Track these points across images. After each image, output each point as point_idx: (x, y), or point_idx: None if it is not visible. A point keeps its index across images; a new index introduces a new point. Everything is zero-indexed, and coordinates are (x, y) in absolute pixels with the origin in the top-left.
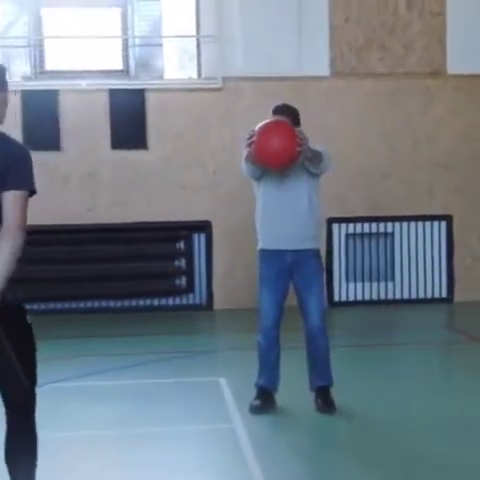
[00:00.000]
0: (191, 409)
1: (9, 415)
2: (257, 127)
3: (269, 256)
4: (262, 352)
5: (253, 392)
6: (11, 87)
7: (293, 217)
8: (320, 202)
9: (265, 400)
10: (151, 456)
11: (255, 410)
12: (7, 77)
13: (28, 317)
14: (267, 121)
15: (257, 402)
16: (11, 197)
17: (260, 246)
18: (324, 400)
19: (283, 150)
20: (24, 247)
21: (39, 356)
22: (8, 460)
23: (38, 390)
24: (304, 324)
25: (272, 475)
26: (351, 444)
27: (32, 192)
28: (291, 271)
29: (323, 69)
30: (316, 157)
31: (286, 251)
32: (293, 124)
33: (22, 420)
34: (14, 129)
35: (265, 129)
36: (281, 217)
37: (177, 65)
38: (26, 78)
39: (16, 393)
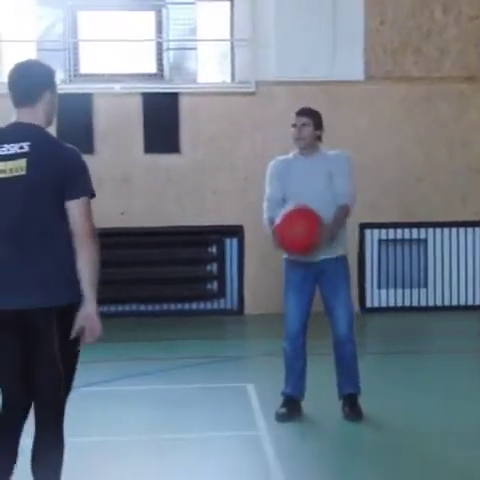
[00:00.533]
0: (218, 415)
1: (38, 426)
2: (283, 213)
3: (295, 263)
4: (288, 360)
5: (280, 399)
6: None
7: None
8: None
9: (291, 408)
10: (177, 463)
11: (281, 418)
12: (56, 79)
13: (73, 331)
14: (292, 208)
15: (283, 410)
16: (75, 206)
17: (286, 256)
18: (351, 408)
19: (302, 241)
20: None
21: None
22: (34, 470)
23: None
24: (331, 331)
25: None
26: (376, 454)
27: (92, 195)
28: (317, 276)
29: (357, 73)
30: (340, 227)
31: (312, 261)
32: (315, 127)
33: (51, 431)
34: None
35: (289, 217)
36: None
37: (211, 69)
38: (61, 81)
39: (50, 404)
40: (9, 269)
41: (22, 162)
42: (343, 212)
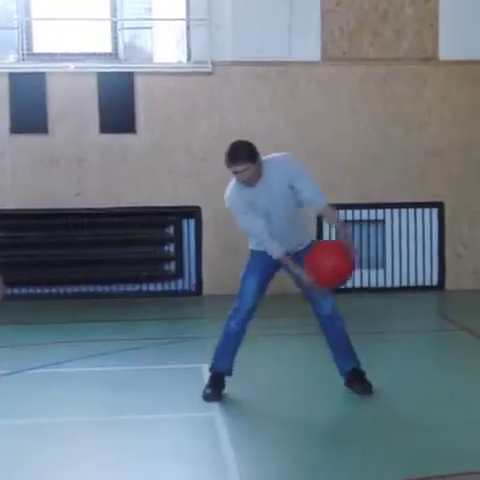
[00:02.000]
0: (171, 396)
1: None
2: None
3: (262, 251)
4: (231, 337)
5: (236, 379)
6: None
7: (287, 238)
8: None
9: (220, 384)
10: (126, 443)
11: (212, 397)
12: None
13: None
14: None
15: (211, 389)
16: None
17: (252, 247)
18: (361, 382)
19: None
20: (8, 231)
21: (22, 341)
22: None
23: (18, 376)
24: (315, 314)
25: (247, 464)
26: (332, 434)
27: None
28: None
29: (314, 54)
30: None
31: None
32: (254, 161)
33: None
34: (1, 111)
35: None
36: (279, 238)
37: (167, 49)
38: (14, 60)
39: None
40: None
41: None
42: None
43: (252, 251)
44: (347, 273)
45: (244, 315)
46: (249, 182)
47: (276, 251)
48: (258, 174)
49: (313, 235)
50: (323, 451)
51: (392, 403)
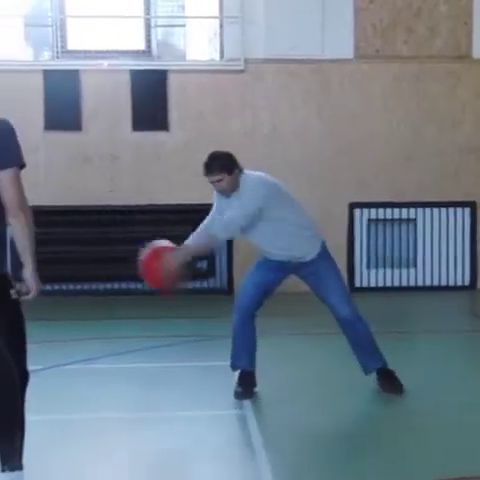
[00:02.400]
0: (201, 394)
1: None
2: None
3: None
4: (235, 334)
5: (266, 377)
6: (34, 67)
7: (280, 249)
8: (300, 216)
9: (248, 383)
10: (156, 440)
11: (240, 395)
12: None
13: (12, 291)
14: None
15: (241, 388)
16: (5, 176)
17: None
18: (390, 381)
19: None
20: (35, 227)
21: (54, 337)
22: None
23: (50, 371)
24: (335, 317)
25: (278, 462)
26: (361, 433)
27: (23, 165)
28: (292, 273)
29: (347, 52)
30: (202, 252)
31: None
32: (229, 172)
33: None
34: (36, 108)
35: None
36: (274, 255)
37: (200, 46)
38: (48, 58)
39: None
40: None
41: None
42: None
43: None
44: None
45: (241, 310)
46: (224, 192)
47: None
48: (234, 186)
49: (318, 246)
50: (352, 450)
51: (422, 403)
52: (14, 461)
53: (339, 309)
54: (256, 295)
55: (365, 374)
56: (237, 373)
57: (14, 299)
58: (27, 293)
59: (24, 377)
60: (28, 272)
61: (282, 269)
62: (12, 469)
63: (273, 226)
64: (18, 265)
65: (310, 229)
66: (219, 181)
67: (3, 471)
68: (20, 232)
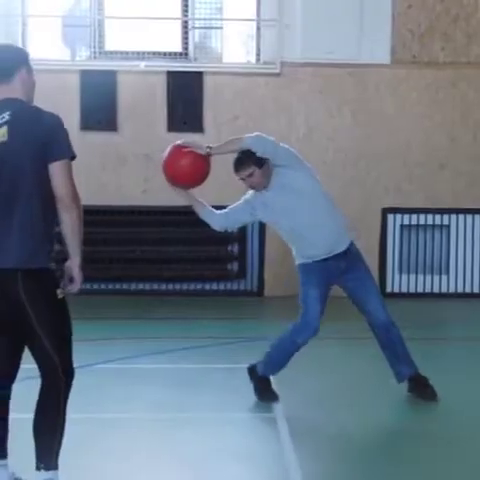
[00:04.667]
0: (232, 396)
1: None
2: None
3: (314, 264)
4: (293, 353)
5: (297, 380)
6: (71, 67)
7: (320, 231)
8: (331, 201)
9: (269, 386)
10: (188, 441)
11: (266, 398)
12: (30, 61)
13: (59, 292)
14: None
15: (267, 392)
16: (57, 167)
17: (301, 261)
18: (425, 387)
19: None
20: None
21: (88, 336)
22: (34, 429)
23: (84, 370)
24: (370, 323)
25: (308, 465)
26: (390, 439)
27: (73, 157)
28: (337, 274)
29: (384, 57)
30: (233, 146)
31: (330, 258)
32: (260, 166)
33: (49, 388)
34: (72, 108)
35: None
36: (312, 238)
37: (236, 49)
38: (86, 58)
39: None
40: None
41: (3, 129)
42: (229, 141)
43: (302, 266)
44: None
45: (313, 332)
46: (257, 187)
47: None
48: (265, 180)
49: (347, 235)
50: (383, 455)
51: (455, 412)
52: (51, 461)
53: (378, 313)
54: (321, 315)
55: (398, 382)
56: (258, 377)
57: (60, 298)
58: (71, 285)
59: (69, 376)
60: (75, 264)
61: (327, 276)
62: (47, 469)
63: (309, 201)
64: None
65: (338, 208)
66: (250, 175)
67: (38, 469)
68: (70, 225)
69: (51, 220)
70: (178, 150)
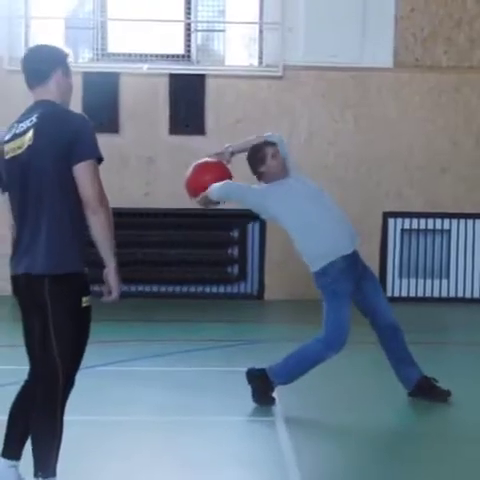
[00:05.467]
0: (233, 399)
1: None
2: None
3: (346, 268)
4: (316, 364)
5: (297, 384)
6: (74, 68)
7: (343, 220)
8: None
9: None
10: (189, 445)
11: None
12: (70, 61)
13: (84, 300)
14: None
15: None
16: (83, 168)
17: (321, 265)
18: (435, 388)
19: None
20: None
21: (89, 339)
22: (31, 435)
23: (85, 372)
24: (377, 325)
25: (308, 469)
26: (390, 444)
27: (100, 159)
28: (358, 281)
29: (386, 60)
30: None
31: (352, 255)
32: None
33: (39, 406)
34: (75, 110)
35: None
36: (337, 225)
37: (238, 52)
38: (88, 60)
39: (40, 379)
40: (19, 235)
41: (30, 133)
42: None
43: (330, 269)
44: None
45: (342, 345)
46: (281, 170)
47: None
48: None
49: None
50: (384, 460)
51: (457, 415)
52: (48, 468)
53: (387, 314)
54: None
55: (409, 388)
56: (263, 379)
57: (85, 306)
58: (109, 294)
59: (69, 384)
60: (110, 271)
61: (355, 277)
62: (45, 476)
63: (326, 199)
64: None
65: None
66: (275, 155)
67: (36, 477)
68: (99, 228)
69: (80, 224)
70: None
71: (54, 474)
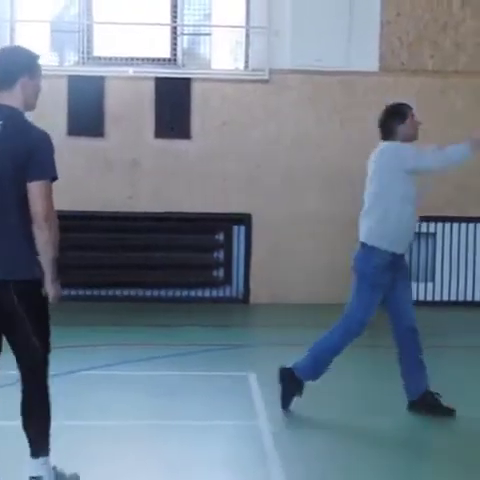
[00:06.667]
0: (217, 403)
1: (22, 379)
2: None
3: (387, 262)
4: (341, 350)
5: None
6: (59, 72)
7: (412, 220)
8: None
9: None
10: (172, 449)
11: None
12: (37, 65)
13: (43, 290)
14: None
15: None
16: (37, 187)
17: (385, 248)
18: (440, 403)
19: None
20: (61, 233)
21: (71, 343)
22: (24, 425)
23: (67, 377)
24: (399, 327)
25: (292, 473)
26: (379, 444)
27: (54, 178)
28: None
29: (372, 64)
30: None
31: (401, 256)
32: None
33: (33, 384)
34: (59, 113)
35: None
36: (412, 224)
37: (225, 55)
38: (74, 63)
39: (29, 358)
40: None
41: None
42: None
43: (371, 254)
44: None
45: (363, 330)
46: (416, 133)
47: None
48: None
49: None
50: (369, 462)
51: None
52: (47, 446)
53: (411, 317)
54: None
55: (412, 397)
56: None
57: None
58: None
59: (47, 363)
60: (47, 280)
61: (390, 277)
62: (45, 455)
63: None
64: None
65: None
66: (414, 115)
67: (35, 457)
68: (42, 243)
69: (27, 232)
70: None
71: (49, 453)
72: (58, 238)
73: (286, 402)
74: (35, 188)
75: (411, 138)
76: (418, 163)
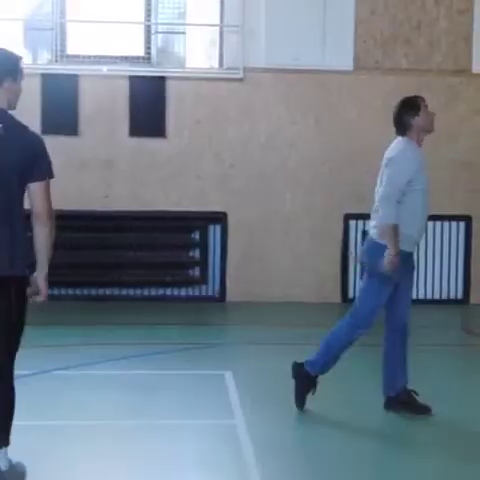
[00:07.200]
0: (193, 402)
1: None
2: None
3: (402, 258)
4: (350, 345)
5: (259, 387)
6: (32, 70)
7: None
8: None
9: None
10: (149, 448)
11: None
12: (23, 64)
13: (28, 288)
14: None
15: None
16: (39, 187)
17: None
18: (416, 403)
19: None
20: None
21: (47, 342)
22: None
23: (44, 376)
24: (393, 323)
25: (269, 472)
26: (353, 451)
27: (51, 177)
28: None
29: (347, 63)
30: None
31: (411, 254)
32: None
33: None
34: (33, 112)
35: None
36: (423, 222)
37: (199, 54)
38: (47, 61)
39: None
40: None
41: None
42: None
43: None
44: None
45: (372, 323)
46: (432, 126)
47: (389, 219)
48: None
49: None
50: (349, 460)
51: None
52: (9, 437)
53: (408, 316)
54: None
55: (389, 393)
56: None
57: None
58: (37, 295)
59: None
60: (42, 275)
61: (399, 274)
62: (7, 445)
63: None
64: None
65: None
66: (427, 106)
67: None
68: (44, 239)
69: (24, 230)
70: None
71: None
72: (54, 236)
73: (300, 400)
74: (37, 188)
75: (427, 130)
76: (385, 186)
